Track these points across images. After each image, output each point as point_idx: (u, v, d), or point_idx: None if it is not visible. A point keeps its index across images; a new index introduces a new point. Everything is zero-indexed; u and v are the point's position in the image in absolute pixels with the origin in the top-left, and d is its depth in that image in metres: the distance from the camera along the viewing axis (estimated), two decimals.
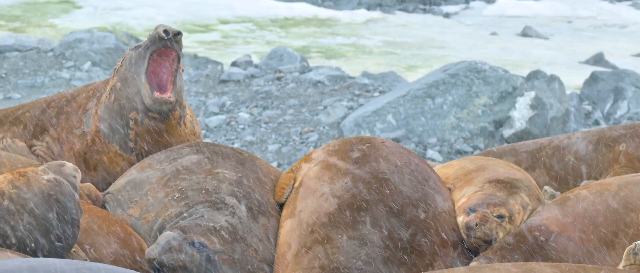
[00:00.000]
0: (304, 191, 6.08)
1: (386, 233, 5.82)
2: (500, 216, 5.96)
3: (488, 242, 5.90)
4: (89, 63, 20.32)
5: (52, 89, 19.32)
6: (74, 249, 5.67)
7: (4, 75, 20.04)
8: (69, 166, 5.71)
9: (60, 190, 5.57)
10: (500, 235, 5.93)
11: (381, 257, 5.76)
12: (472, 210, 6.00)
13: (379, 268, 5.73)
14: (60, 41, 21.63)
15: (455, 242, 5.95)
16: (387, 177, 6.02)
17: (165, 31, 6.75)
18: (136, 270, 5.93)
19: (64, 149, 7.11)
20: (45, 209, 5.51)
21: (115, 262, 5.95)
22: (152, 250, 5.89)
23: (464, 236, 5.94)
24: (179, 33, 6.78)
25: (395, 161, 6.15)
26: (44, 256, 5.48)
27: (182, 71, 6.93)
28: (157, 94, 6.76)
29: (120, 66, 6.93)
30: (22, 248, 5.44)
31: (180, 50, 6.82)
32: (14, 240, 5.43)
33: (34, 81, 19.76)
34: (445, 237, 5.94)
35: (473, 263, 5.83)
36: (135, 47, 6.92)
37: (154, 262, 5.89)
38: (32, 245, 5.45)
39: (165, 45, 6.76)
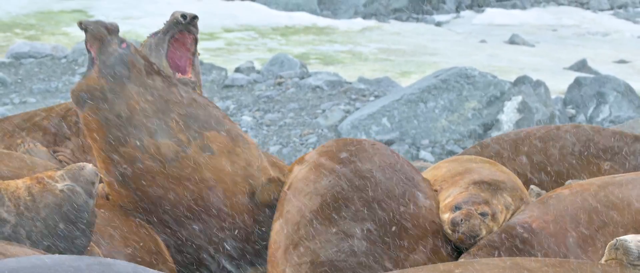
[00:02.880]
0: (292, 192, 6.11)
1: (368, 226, 5.85)
2: (484, 214, 5.99)
3: (472, 238, 5.92)
4: None
5: (65, 93, 19.30)
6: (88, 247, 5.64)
7: (20, 80, 20.04)
8: (88, 170, 5.59)
9: (72, 201, 5.47)
10: (484, 231, 5.95)
11: (364, 248, 5.78)
12: (457, 207, 6.03)
13: (362, 260, 5.75)
14: (73, 48, 21.62)
15: (434, 234, 5.97)
16: (369, 175, 6.05)
17: (183, 15, 6.77)
18: (152, 267, 5.91)
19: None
20: (57, 220, 5.43)
21: (130, 258, 5.92)
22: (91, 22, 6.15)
23: (449, 232, 5.97)
24: (195, 17, 6.82)
25: (380, 161, 6.17)
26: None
27: (198, 55, 6.94)
28: (178, 75, 6.76)
29: None
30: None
31: (197, 33, 6.84)
32: (28, 243, 5.37)
33: (48, 86, 19.76)
34: (426, 229, 5.96)
35: (461, 260, 5.84)
36: (154, 33, 6.94)
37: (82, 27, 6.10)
38: (46, 249, 5.41)
39: (183, 29, 6.78)
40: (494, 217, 6.02)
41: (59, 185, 5.50)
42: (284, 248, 5.86)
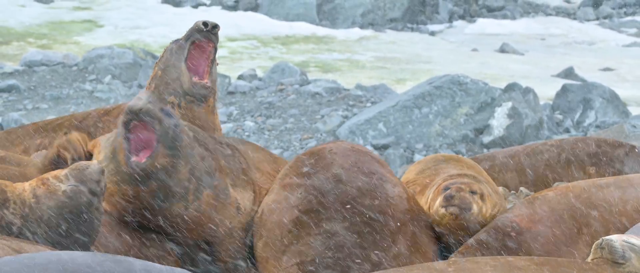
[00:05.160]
0: (265, 216, 6.07)
1: (348, 223, 5.83)
2: (473, 192, 5.95)
3: (465, 211, 5.87)
4: (109, 76, 20.32)
5: (76, 100, 19.30)
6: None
7: (32, 87, 20.03)
8: (93, 169, 5.44)
9: (75, 202, 5.35)
10: (475, 207, 5.90)
11: (348, 243, 5.78)
12: (446, 188, 6.00)
13: (349, 254, 5.74)
14: (84, 56, 21.62)
15: (411, 221, 5.96)
16: (335, 179, 6.01)
17: (205, 23, 6.71)
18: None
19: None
20: (59, 221, 5.32)
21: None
22: (138, 100, 5.71)
23: (442, 213, 5.92)
24: (216, 25, 6.75)
25: (342, 163, 6.10)
26: None
27: (217, 64, 6.88)
28: (195, 79, 6.68)
29: (162, 57, 6.85)
30: None
31: (217, 41, 6.76)
32: None
33: (59, 92, 19.75)
34: (402, 217, 5.94)
35: (451, 259, 5.83)
36: (176, 40, 6.86)
37: (140, 111, 5.69)
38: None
39: (204, 36, 6.71)
40: (482, 197, 5.97)
41: (63, 186, 5.36)
42: (273, 257, 5.86)
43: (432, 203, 6.06)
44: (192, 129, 6.14)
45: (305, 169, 6.12)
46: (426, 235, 5.98)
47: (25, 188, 5.40)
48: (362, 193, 5.94)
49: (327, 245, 5.77)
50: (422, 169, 6.55)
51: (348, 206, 5.89)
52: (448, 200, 5.90)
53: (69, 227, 5.34)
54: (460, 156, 6.78)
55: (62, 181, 5.40)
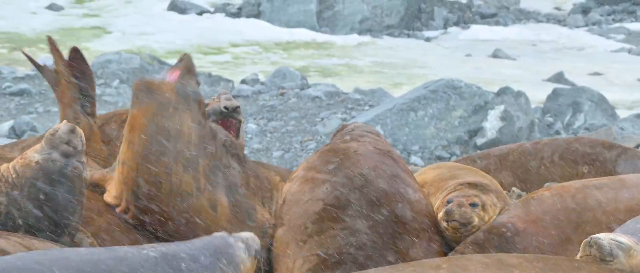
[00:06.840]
0: (288, 204, 6.02)
1: (371, 222, 5.82)
2: (474, 204, 5.96)
3: (465, 225, 5.90)
4: (117, 81, 20.31)
5: None
6: (79, 236, 5.32)
7: (43, 91, 20.03)
8: (62, 130, 5.17)
9: (47, 171, 5.13)
10: (476, 220, 5.91)
11: (370, 242, 5.76)
12: (449, 202, 6.01)
13: (369, 253, 5.73)
14: (93, 61, 21.62)
15: (428, 227, 5.96)
16: (361, 178, 5.98)
17: (226, 107, 6.56)
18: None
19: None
20: (37, 192, 5.12)
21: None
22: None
23: (444, 224, 5.95)
24: (236, 108, 6.57)
25: (366, 164, 6.07)
26: (49, 235, 5.17)
27: (243, 122, 6.78)
28: None
29: None
30: (30, 230, 5.14)
31: (240, 118, 6.60)
32: (20, 222, 5.16)
33: None
34: (420, 222, 5.94)
35: (448, 256, 5.83)
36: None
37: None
38: (35, 225, 5.14)
39: (224, 117, 6.59)
40: (484, 207, 5.98)
41: (36, 156, 5.15)
42: (294, 243, 5.81)
43: (437, 212, 6.08)
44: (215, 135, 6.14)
45: (331, 166, 6.07)
46: (439, 240, 5.99)
47: (9, 166, 5.23)
48: (387, 195, 5.93)
49: (349, 241, 5.75)
50: (440, 173, 6.55)
51: (373, 206, 5.88)
52: (449, 215, 5.93)
53: (46, 197, 5.14)
54: (476, 169, 6.77)
55: (38, 151, 5.19)
